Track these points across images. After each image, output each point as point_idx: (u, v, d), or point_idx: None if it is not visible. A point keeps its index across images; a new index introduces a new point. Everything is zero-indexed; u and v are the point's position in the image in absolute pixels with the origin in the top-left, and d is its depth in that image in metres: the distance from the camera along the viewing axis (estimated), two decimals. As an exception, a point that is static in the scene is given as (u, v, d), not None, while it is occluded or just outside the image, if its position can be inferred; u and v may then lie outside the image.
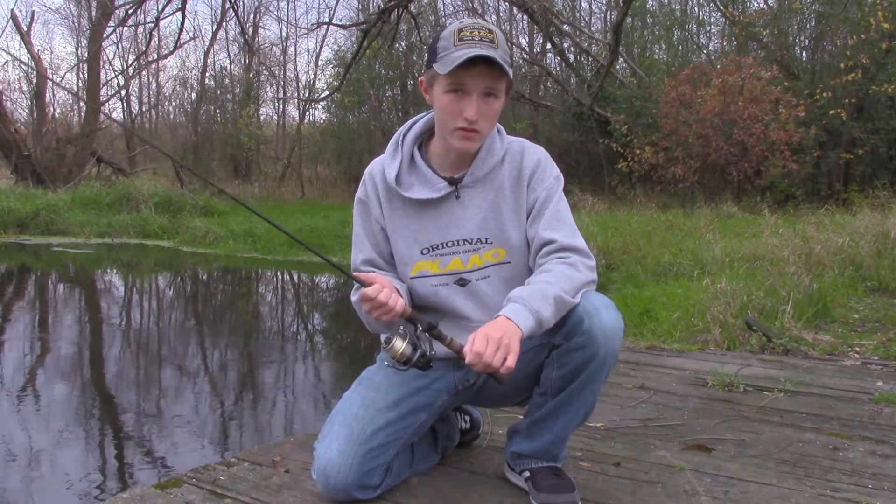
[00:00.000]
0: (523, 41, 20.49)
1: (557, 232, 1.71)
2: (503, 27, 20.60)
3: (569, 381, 1.68)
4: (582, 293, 1.65)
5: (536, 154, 1.79)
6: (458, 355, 1.59)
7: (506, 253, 1.76)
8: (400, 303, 1.61)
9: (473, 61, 1.59)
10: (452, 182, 1.76)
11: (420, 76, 1.77)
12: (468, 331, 1.77)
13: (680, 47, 19.87)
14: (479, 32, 1.62)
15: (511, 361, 1.48)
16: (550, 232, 1.71)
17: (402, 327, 1.62)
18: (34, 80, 19.69)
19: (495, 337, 1.49)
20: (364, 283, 1.61)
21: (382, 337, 1.68)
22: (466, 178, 1.76)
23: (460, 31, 1.63)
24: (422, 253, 1.78)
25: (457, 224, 1.76)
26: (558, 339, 1.68)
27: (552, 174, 1.78)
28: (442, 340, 1.62)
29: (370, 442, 1.71)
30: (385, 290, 1.60)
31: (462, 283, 1.77)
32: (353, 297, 1.73)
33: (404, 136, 1.83)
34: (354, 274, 1.65)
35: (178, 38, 17.94)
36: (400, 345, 1.58)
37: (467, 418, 2.12)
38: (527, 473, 1.79)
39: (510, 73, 1.64)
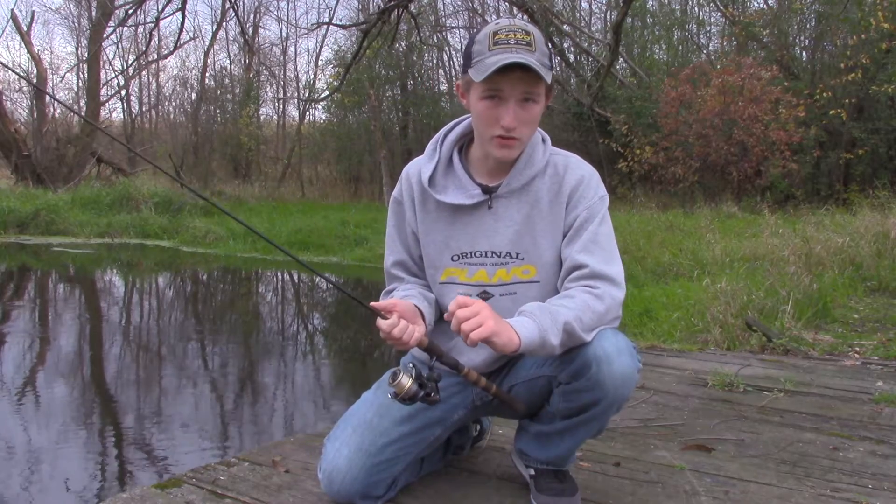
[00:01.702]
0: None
1: (592, 256, 1.61)
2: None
3: (575, 414, 1.65)
4: (598, 331, 1.57)
5: (581, 170, 1.69)
6: (473, 384, 1.62)
7: (536, 271, 1.68)
8: (416, 336, 1.54)
9: (509, 66, 1.51)
10: (487, 190, 1.68)
11: (457, 80, 1.70)
12: (484, 346, 1.74)
13: (680, 47, 19.87)
14: (515, 35, 1.54)
15: (477, 335, 1.41)
16: (585, 255, 1.61)
17: (411, 363, 1.60)
18: (35, 80, 19.66)
19: (483, 310, 1.44)
20: (381, 314, 1.54)
21: (390, 371, 1.61)
22: (502, 187, 1.68)
23: (495, 34, 1.55)
24: (452, 259, 1.72)
25: (486, 235, 1.69)
26: (564, 377, 1.61)
27: (597, 193, 1.67)
28: (458, 370, 1.60)
29: (380, 455, 1.69)
30: (401, 325, 1.52)
31: (485, 296, 1.70)
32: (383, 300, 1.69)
33: (444, 137, 1.76)
34: (371, 305, 1.56)
35: (178, 38, 17.90)
36: (406, 382, 1.54)
37: (477, 427, 2.11)
38: (531, 471, 1.79)
39: (548, 76, 1.56)
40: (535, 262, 1.68)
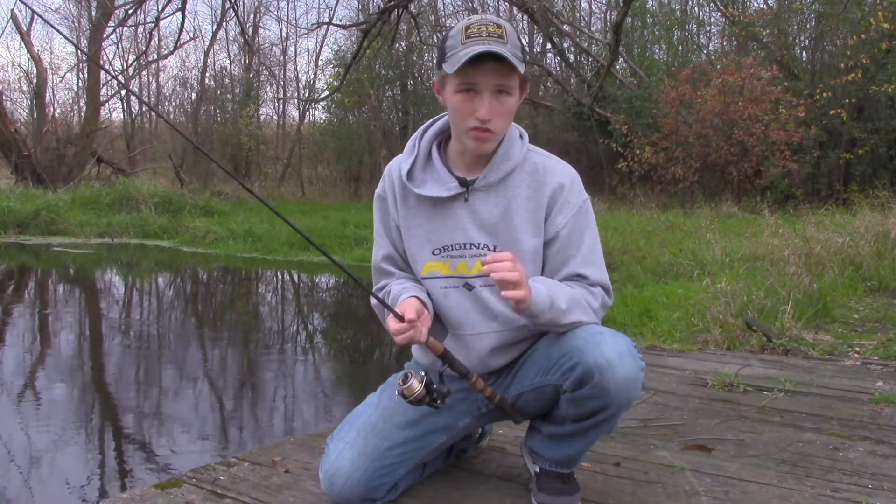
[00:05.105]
0: (523, 41, 20.46)
1: (593, 268, 1.71)
2: (503, 27, 20.57)
3: (585, 418, 1.65)
4: (588, 328, 1.61)
5: (562, 173, 1.72)
6: (478, 389, 1.65)
7: None
8: (431, 340, 1.60)
9: (482, 58, 1.53)
10: (464, 183, 1.70)
11: (433, 78, 1.74)
12: (480, 338, 1.73)
13: (680, 47, 19.88)
14: (487, 28, 1.57)
15: (514, 294, 1.48)
16: (586, 269, 1.70)
17: (422, 371, 1.61)
18: (34, 80, 19.66)
19: (519, 265, 1.51)
20: (397, 315, 1.56)
21: (402, 372, 1.64)
22: (479, 181, 1.70)
23: (468, 27, 1.58)
24: (433, 253, 1.74)
25: (464, 227, 1.71)
26: (568, 385, 1.61)
27: (580, 198, 1.72)
28: (467, 378, 1.63)
29: (382, 459, 1.70)
30: (411, 332, 1.56)
31: (468, 287, 1.72)
32: (374, 301, 1.71)
33: (423, 133, 1.79)
34: (396, 308, 1.59)
35: (178, 38, 17.94)
36: (416, 386, 1.58)
37: (479, 430, 2.11)
38: (536, 469, 1.79)
39: (521, 67, 1.58)
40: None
